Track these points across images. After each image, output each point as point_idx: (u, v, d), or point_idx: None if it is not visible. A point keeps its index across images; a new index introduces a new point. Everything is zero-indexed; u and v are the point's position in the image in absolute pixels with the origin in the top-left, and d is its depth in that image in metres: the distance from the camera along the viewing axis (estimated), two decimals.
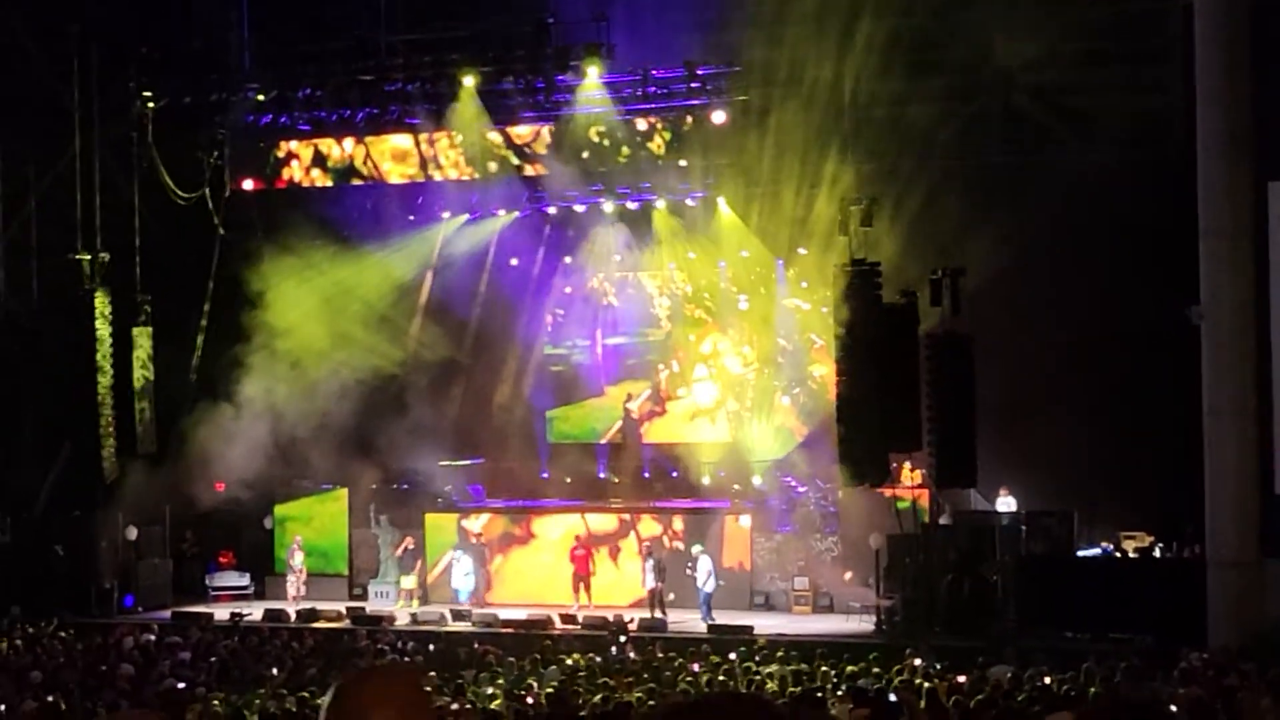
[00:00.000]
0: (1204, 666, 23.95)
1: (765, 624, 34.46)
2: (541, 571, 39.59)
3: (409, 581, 39.33)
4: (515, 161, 40.14)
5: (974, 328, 32.87)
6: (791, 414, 40.67)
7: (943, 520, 35.53)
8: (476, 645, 31.42)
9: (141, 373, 38.36)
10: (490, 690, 24.16)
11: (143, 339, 38.50)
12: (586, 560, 38.14)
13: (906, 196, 35.36)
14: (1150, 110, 35.55)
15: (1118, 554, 34.64)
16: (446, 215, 42.01)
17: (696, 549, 37.16)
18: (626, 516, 39.71)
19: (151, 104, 39.42)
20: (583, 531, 39.20)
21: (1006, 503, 35.63)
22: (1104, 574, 33.78)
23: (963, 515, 35.47)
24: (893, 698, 19.52)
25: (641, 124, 39.00)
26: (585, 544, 38.56)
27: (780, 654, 29.52)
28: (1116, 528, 34.99)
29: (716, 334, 41.84)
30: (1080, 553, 34.25)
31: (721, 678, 24.97)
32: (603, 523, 39.68)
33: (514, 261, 42.41)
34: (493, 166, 40.04)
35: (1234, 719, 14.42)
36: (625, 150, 39.17)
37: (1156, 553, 34.36)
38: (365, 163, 40.91)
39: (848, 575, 36.98)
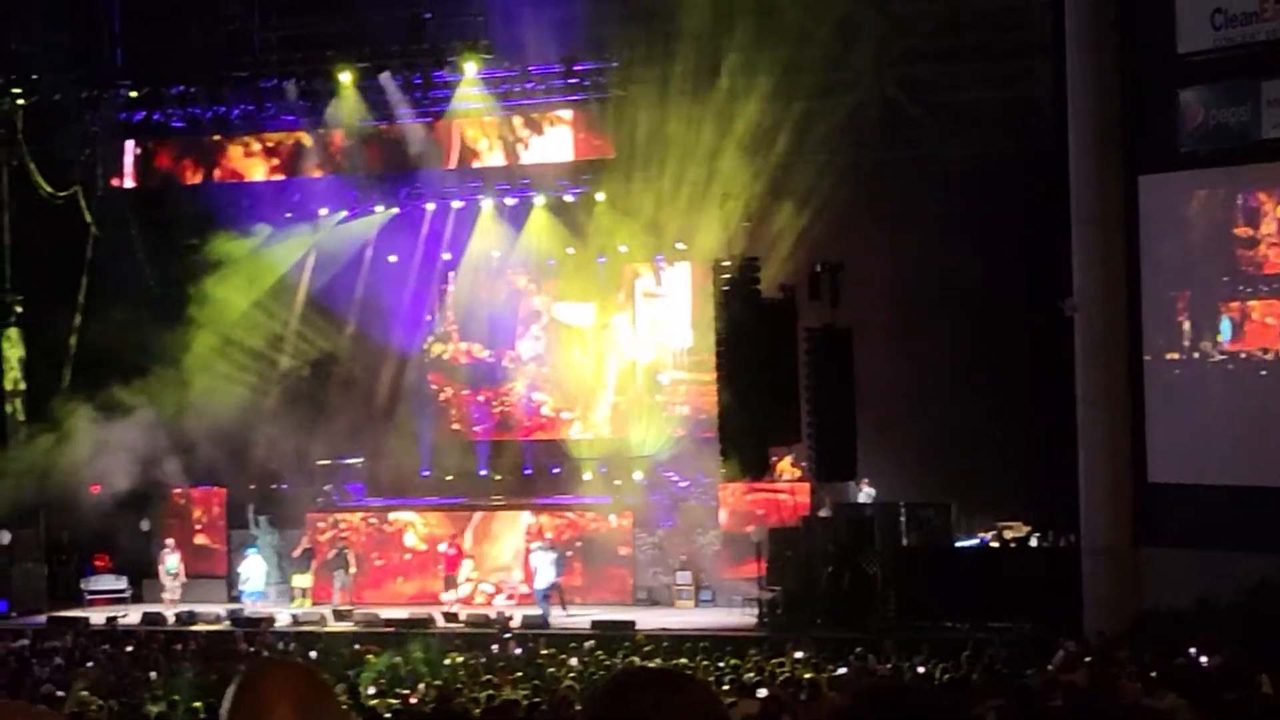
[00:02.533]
0: (1080, 653, 24.14)
1: (648, 619, 34.49)
2: (415, 570, 39.47)
3: (304, 580, 38.98)
4: (392, 158, 39.98)
5: (852, 321, 33.00)
6: (672, 409, 40.71)
7: (822, 512, 35.69)
8: (357, 646, 31.25)
9: (12, 373, 37.93)
10: (371, 690, 24.05)
11: (13, 339, 38.05)
12: (457, 560, 38.14)
13: (784, 191, 35.53)
14: (1021, 102, 35.90)
15: (995, 544, 34.94)
16: (324, 212, 41.73)
17: (535, 545, 37.23)
18: (507, 514, 39.68)
19: (21, 100, 38.97)
20: (457, 530, 39.08)
21: (867, 494, 35.93)
22: (982, 564, 34.06)
23: (842, 507, 35.66)
24: (762, 692, 19.54)
25: (519, 119, 38.94)
26: (456, 543, 38.50)
27: (664, 648, 29.62)
28: (994, 518, 35.28)
29: (595, 330, 41.79)
30: (958, 543, 34.52)
31: (603, 674, 24.96)
32: (482, 520, 39.59)
33: (392, 259, 42.18)
34: (369, 163, 39.88)
35: (1111, 705, 14.55)
36: (502, 146, 39.13)
37: (1033, 542, 34.69)
38: (240, 159, 40.64)
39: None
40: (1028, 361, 34.65)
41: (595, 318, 41.68)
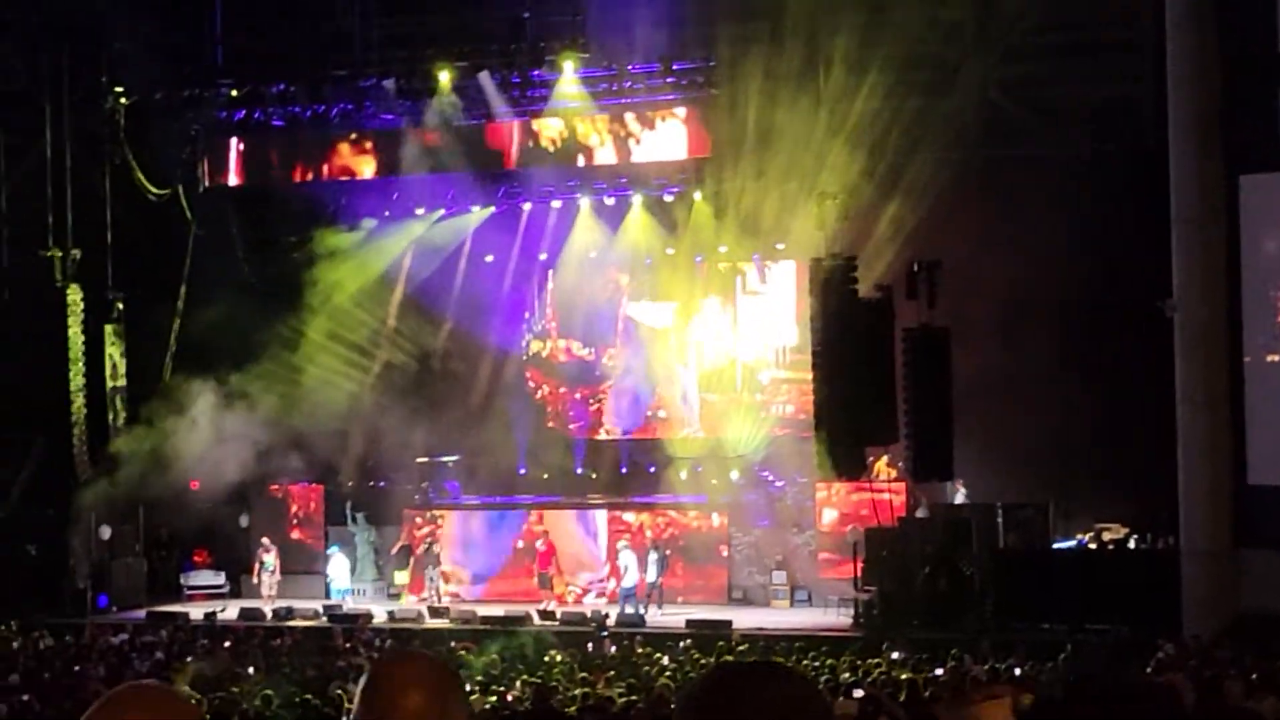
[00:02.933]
0: (1180, 655, 23.94)
1: (744, 619, 34.45)
2: (511, 567, 39.59)
3: (402, 577, 39.12)
4: (491, 156, 40.08)
5: (950, 321, 32.86)
6: (768, 409, 40.65)
7: (919, 513, 35.56)
8: (454, 643, 31.31)
9: (114, 370, 38.20)
10: (468, 686, 24.08)
11: (115, 336, 38.32)
12: (549, 556, 38.19)
13: (883, 190, 35.41)
14: (1122, 101, 35.66)
15: (1093, 545, 34.70)
16: (421, 211, 41.86)
17: (621, 544, 37.30)
18: (604, 512, 39.72)
19: (124, 99, 39.29)
20: (553, 527, 39.15)
21: (962, 494, 35.79)
22: (1080, 565, 33.82)
23: (939, 508, 35.52)
24: (859, 693, 19.47)
25: (632, 115, 38.90)
26: (550, 540, 38.55)
27: (759, 647, 29.56)
28: (1092, 519, 35.05)
29: (692, 329, 41.77)
30: (1056, 545, 34.30)
31: (699, 672, 24.93)
32: (579, 518, 39.66)
33: (489, 258, 42.30)
34: (468, 161, 39.97)
35: (1213, 706, 14.43)
36: (614, 142, 39.10)
37: (1132, 544, 34.42)
38: (341, 157, 40.79)
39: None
40: (1127, 362, 34.45)
41: (677, 316, 41.66)
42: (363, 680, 4.45)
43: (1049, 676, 23.05)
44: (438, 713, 4.31)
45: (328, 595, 39.23)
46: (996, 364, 34.91)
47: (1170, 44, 31.83)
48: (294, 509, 41.37)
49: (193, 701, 4.50)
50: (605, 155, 39.31)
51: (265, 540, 39.65)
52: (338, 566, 39.21)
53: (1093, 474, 34.65)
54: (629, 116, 38.83)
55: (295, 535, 41.08)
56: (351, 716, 4.37)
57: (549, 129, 39.33)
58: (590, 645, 31.06)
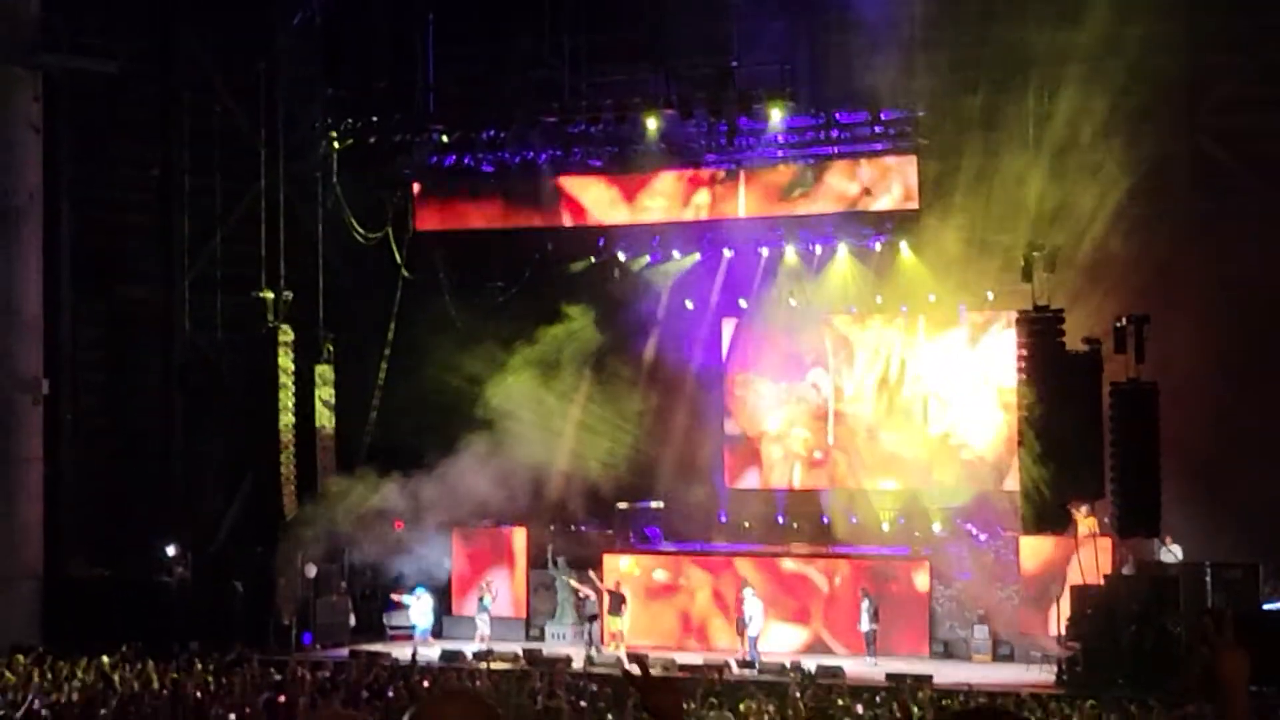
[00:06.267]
0: None
1: (945, 672, 34.11)
2: (705, 615, 39.48)
3: (613, 623, 38.83)
4: (697, 204, 40.16)
5: (1158, 376, 32.40)
6: (971, 461, 40.29)
7: (1125, 570, 35.02)
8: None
9: (323, 410, 38.70)
10: None
11: (325, 376, 38.85)
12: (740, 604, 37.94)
13: (1092, 242, 34.98)
14: None
15: None
16: (624, 257, 42.01)
17: (747, 591, 37.07)
18: (806, 563, 39.50)
19: (337, 143, 39.88)
20: (754, 575, 38.86)
21: (1172, 552, 35.10)
22: None
23: (1146, 565, 34.96)
24: None
25: (824, 168, 38.82)
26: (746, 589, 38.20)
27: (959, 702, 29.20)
28: None
29: (898, 381, 41.53)
30: (1266, 605, 33.59)
31: None
32: (781, 567, 39.46)
33: (689, 304, 42.34)
34: (674, 209, 40.09)
35: None
36: (807, 194, 39.03)
37: None
38: (548, 204, 40.99)
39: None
40: None
41: (884, 369, 41.44)
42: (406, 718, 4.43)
43: None
44: None
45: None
46: (1204, 419, 34.24)
47: None
48: (496, 551, 41.51)
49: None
50: (813, 204, 39.20)
51: (488, 581, 39.92)
52: (420, 608, 39.48)
53: None
54: (837, 165, 38.73)
55: (498, 578, 41.27)
56: None
57: (756, 177, 39.31)
58: (787, 695, 30.81)
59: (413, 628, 39.37)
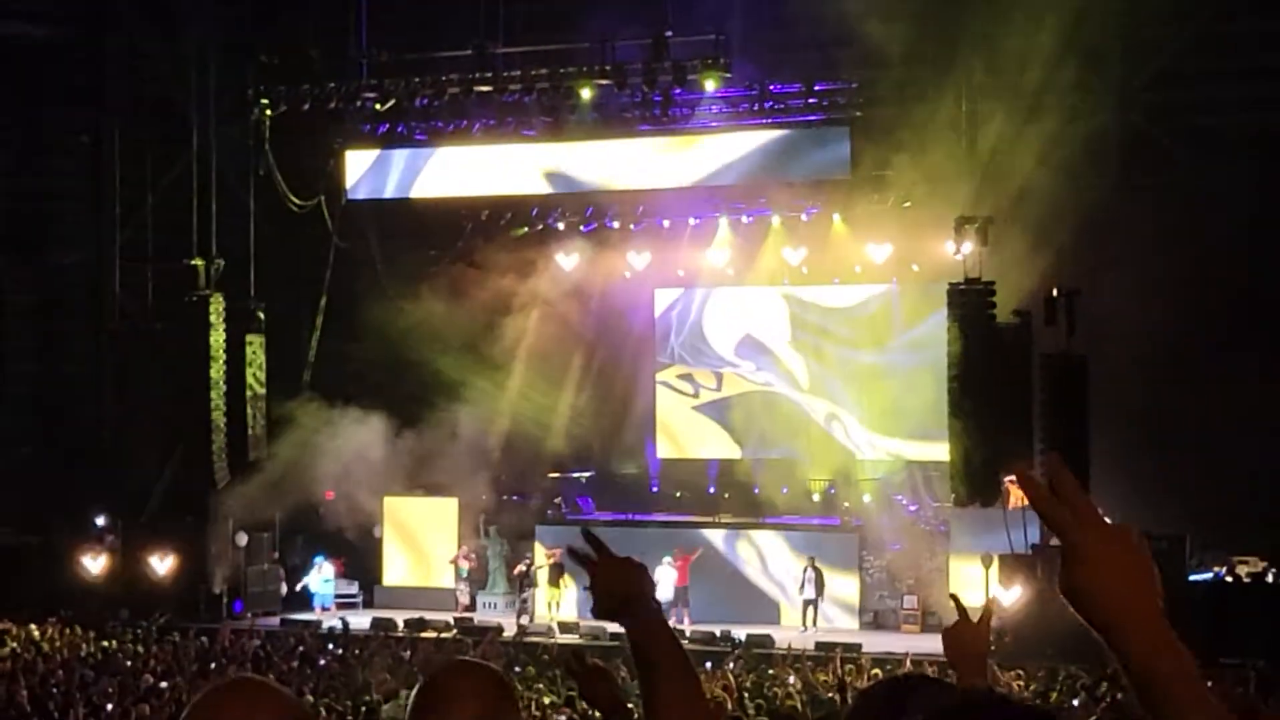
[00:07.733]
0: None
1: (873, 642, 34.27)
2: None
3: (555, 594, 38.81)
4: (628, 174, 40.07)
5: (1088, 349, 32.58)
6: (901, 432, 40.46)
7: (1054, 541, 35.11)
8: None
9: (254, 379, 38.58)
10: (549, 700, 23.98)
11: (256, 346, 38.71)
12: (683, 575, 38.03)
13: (1022, 215, 35.07)
14: (1273, 128, 35.19)
15: (1230, 578, 34.23)
16: (561, 226, 41.92)
17: (665, 559, 37.23)
18: (735, 532, 39.61)
19: (269, 111, 39.67)
20: (684, 545, 38.86)
21: None
22: (1216, 598, 33.37)
23: None
24: None
25: (757, 138, 38.83)
26: (682, 557, 38.26)
27: (888, 671, 29.33)
28: (1229, 552, 34.59)
29: (826, 353, 41.70)
30: (1192, 577, 33.88)
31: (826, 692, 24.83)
32: (710, 537, 39.54)
33: (627, 274, 42.33)
34: (607, 179, 40.01)
35: None
36: (739, 165, 39.01)
37: (1270, 577, 33.95)
38: (480, 173, 40.82)
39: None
40: (1269, 394, 33.95)
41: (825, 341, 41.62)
42: (416, 689, 4.43)
43: None
44: None
45: (311, 606, 39.80)
46: (1133, 393, 34.48)
47: None
48: (427, 520, 41.48)
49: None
50: (743, 174, 39.15)
51: (465, 548, 40.00)
52: (317, 578, 39.71)
53: (1230, 506, 34.19)
54: (769, 136, 38.73)
55: (428, 547, 41.26)
56: None
57: (689, 147, 39.28)
58: (709, 664, 30.86)
59: (311, 596, 39.58)
